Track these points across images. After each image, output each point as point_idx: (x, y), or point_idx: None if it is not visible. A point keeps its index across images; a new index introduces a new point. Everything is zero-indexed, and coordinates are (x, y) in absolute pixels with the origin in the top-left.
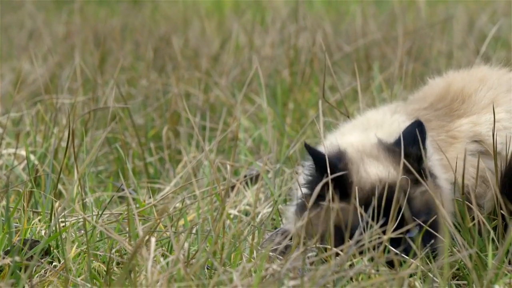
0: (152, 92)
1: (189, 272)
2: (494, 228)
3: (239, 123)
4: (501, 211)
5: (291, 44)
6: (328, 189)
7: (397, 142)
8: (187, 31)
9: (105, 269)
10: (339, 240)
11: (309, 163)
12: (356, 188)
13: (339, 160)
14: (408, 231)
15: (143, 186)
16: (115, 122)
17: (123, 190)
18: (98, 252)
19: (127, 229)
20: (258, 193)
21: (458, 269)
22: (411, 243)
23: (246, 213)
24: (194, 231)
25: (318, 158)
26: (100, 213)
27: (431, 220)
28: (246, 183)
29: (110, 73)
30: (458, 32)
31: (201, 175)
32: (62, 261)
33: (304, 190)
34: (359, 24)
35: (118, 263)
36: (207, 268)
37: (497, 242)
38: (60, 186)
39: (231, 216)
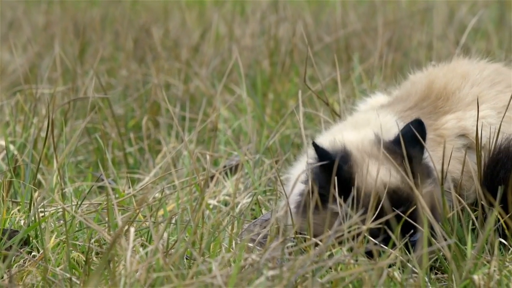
0: (132, 83)
1: (168, 262)
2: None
3: (218, 114)
4: (482, 202)
5: (271, 35)
6: (334, 189)
7: (397, 142)
8: (167, 22)
9: (84, 259)
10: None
11: (313, 161)
12: (362, 193)
13: (345, 162)
14: (411, 235)
15: (123, 176)
16: (94, 112)
17: (102, 180)
18: (77, 242)
19: (106, 219)
20: (238, 183)
21: (436, 260)
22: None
23: (226, 203)
24: (173, 221)
25: (325, 158)
26: (79, 203)
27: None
28: (226, 174)
29: (90, 63)
30: (438, 23)
31: (181, 166)
32: (41, 251)
33: (308, 188)
34: (339, 15)
35: (97, 253)
36: (186, 258)
37: (479, 231)
38: (39, 176)
39: (211, 206)
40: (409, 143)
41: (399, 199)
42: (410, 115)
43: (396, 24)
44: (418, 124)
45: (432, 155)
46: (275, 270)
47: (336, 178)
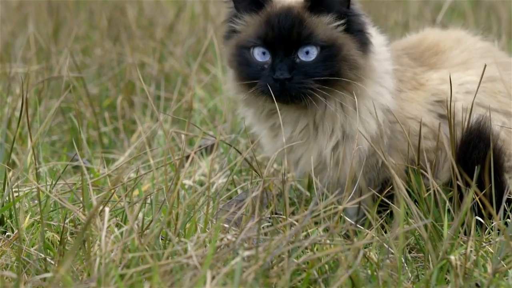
0: (106, 62)
1: (143, 242)
2: (450, 199)
3: (194, 93)
4: (457, 182)
5: None
6: (239, 18)
7: None
8: (142, 0)
9: (59, 239)
10: (243, 58)
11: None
12: (271, 5)
13: None
14: (299, 53)
15: (97, 156)
16: (69, 92)
17: (77, 160)
18: (51, 222)
19: (81, 199)
20: (213, 163)
21: (413, 240)
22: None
23: (201, 184)
24: (148, 201)
25: None
26: (54, 183)
27: (329, 54)
28: (201, 153)
29: (64, 42)
30: (415, 2)
31: (156, 145)
32: (16, 231)
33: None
34: None
35: (71, 233)
36: (161, 239)
37: (452, 213)
38: (13, 156)
39: (186, 186)
40: None
41: (289, 14)
42: (396, 52)
43: (372, 3)
44: None
45: (404, 97)
46: (251, 250)
47: None
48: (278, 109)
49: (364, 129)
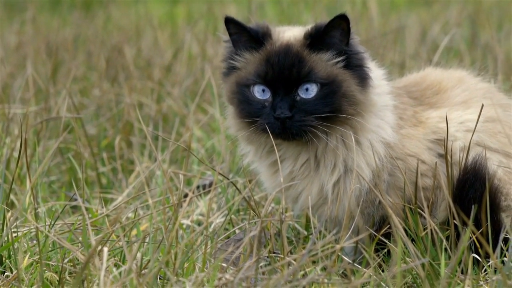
0: (104, 102)
1: (142, 282)
2: (447, 238)
3: (191, 133)
4: (454, 221)
5: None
6: (239, 55)
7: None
8: (139, 41)
9: (58, 278)
10: (244, 96)
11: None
12: (270, 42)
13: (263, 25)
14: (299, 90)
15: (96, 196)
16: (67, 132)
17: (75, 199)
18: (50, 262)
19: (80, 239)
20: (211, 203)
21: (411, 279)
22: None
23: (199, 223)
24: (146, 241)
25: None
26: (52, 223)
27: (329, 90)
28: (200, 193)
29: (63, 83)
30: (411, 42)
31: (154, 185)
32: (15, 271)
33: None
34: None
35: (70, 273)
36: (159, 278)
37: (450, 251)
38: (12, 196)
39: (184, 226)
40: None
41: (288, 52)
42: (396, 91)
43: (369, 43)
44: (341, 17)
45: (405, 133)
46: None
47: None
48: (278, 145)
49: (366, 162)
